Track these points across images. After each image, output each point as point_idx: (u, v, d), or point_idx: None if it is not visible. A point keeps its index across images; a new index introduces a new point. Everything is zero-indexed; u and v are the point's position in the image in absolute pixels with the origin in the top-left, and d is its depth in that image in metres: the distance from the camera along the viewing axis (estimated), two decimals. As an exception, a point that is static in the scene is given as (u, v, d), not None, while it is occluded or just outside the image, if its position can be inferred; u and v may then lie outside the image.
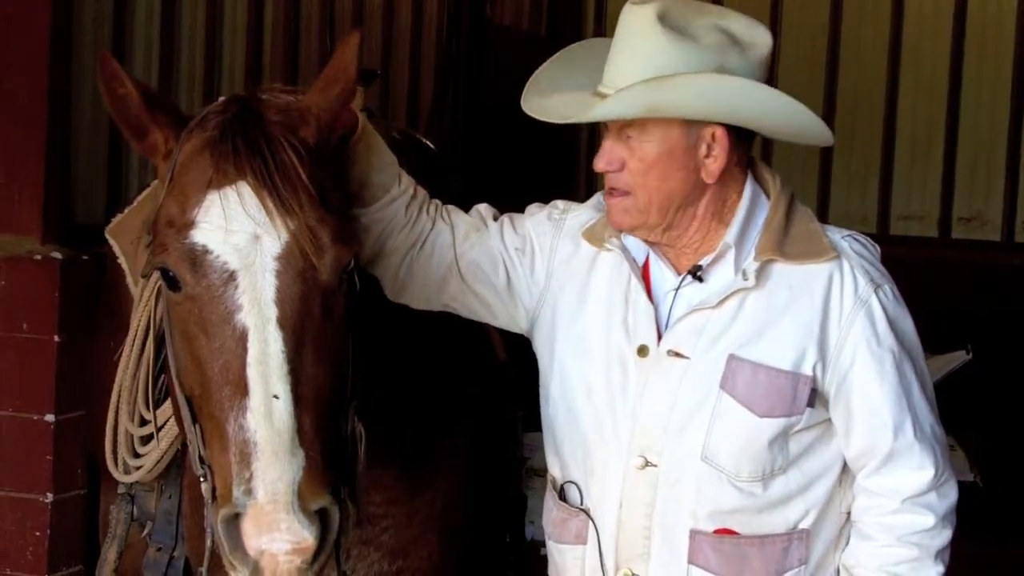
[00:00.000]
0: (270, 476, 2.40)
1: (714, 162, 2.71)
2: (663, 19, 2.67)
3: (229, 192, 2.54)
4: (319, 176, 2.61)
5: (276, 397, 2.44)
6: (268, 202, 2.53)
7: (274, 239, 2.53)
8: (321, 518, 2.44)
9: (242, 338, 2.49)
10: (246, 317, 2.49)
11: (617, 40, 2.74)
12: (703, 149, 2.70)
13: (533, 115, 2.80)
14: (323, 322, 2.55)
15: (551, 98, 2.80)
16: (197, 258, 2.53)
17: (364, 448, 2.69)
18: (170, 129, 2.66)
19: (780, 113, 2.73)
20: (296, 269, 2.53)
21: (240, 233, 2.52)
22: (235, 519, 2.43)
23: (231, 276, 2.51)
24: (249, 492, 2.40)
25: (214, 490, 2.52)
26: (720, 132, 2.70)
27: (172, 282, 2.57)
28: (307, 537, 2.39)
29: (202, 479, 2.59)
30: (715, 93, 2.67)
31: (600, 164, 2.73)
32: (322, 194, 2.59)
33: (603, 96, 2.71)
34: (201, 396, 2.55)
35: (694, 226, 2.76)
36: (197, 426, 2.59)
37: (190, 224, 2.54)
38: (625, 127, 2.70)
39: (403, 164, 2.96)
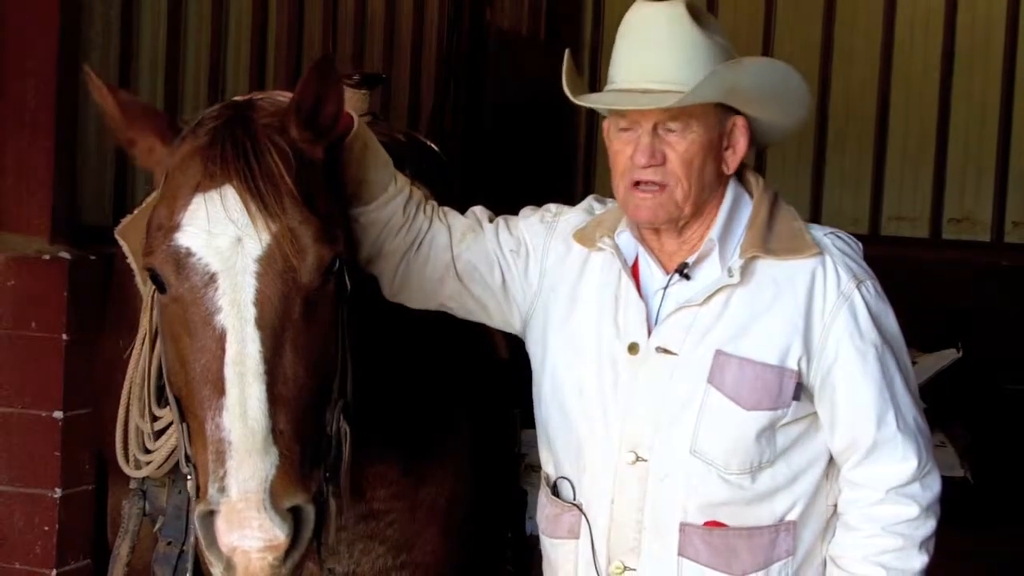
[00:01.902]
0: (242, 474, 2.44)
1: (733, 154, 2.80)
2: (692, 16, 2.75)
3: (214, 196, 2.58)
4: (306, 179, 2.64)
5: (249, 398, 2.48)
6: (251, 206, 2.57)
7: (255, 242, 2.56)
8: (296, 516, 2.48)
9: (221, 339, 2.53)
10: (225, 318, 2.53)
11: (643, 36, 2.78)
12: (724, 141, 2.79)
13: (613, 106, 2.80)
14: (305, 323, 2.58)
15: (598, 97, 2.84)
16: (181, 260, 2.57)
17: (349, 447, 2.70)
18: (155, 137, 2.70)
19: (800, 87, 2.83)
20: (276, 271, 2.56)
21: (222, 236, 2.56)
22: (210, 516, 2.47)
23: (212, 278, 2.55)
24: (223, 490, 2.44)
25: (198, 487, 2.57)
26: (741, 121, 2.79)
27: (160, 284, 2.62)
28: (278, 535, 2.43)
29: (188, 477, 2.65)
30: (767, 75, 2.78)
31: (642, 159, 2.74)
32: (308, 197, 2.62)
33: (644, 91, 2.74)
34: (186, 395, 2.60)
35: (698, 220, 2.82)
36: (184, 424, 2.65)
37: (176, 227, 2.58)
38: (668, 120, 2.73)
39: (408, 166, 3.01)
